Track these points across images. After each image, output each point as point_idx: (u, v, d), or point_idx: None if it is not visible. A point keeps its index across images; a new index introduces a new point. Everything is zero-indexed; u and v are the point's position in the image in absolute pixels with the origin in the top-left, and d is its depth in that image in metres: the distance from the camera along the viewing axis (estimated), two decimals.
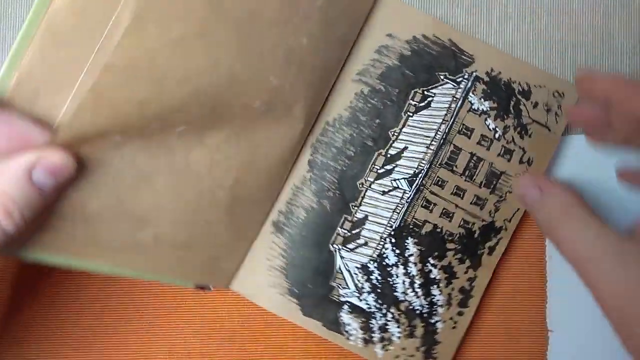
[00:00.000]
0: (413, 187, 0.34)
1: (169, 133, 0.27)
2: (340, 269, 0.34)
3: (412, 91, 0.34)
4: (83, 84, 0.23)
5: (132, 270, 0.29)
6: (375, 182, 0.34)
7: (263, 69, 0.29)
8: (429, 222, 0.34)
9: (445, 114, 0.34)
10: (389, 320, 0.34)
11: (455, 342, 0.34)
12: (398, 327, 0.34)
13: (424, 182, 0.34)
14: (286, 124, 0.31)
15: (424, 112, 0.34)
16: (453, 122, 0.34)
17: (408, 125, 0.34)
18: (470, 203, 0.34)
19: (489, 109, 0.34)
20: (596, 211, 0.29)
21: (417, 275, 0.34)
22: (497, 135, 0.34)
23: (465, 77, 0.34)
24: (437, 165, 0.34)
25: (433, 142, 0.34)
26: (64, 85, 0.23)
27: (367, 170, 0.34)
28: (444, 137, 0.34)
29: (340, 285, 0.34)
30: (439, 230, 0.34)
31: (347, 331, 0.34)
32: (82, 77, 0.23)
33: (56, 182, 0.23)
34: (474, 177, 0.34)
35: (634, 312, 0.25)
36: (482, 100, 0.34)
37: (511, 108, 0.34)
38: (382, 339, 0.34)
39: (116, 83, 0.24)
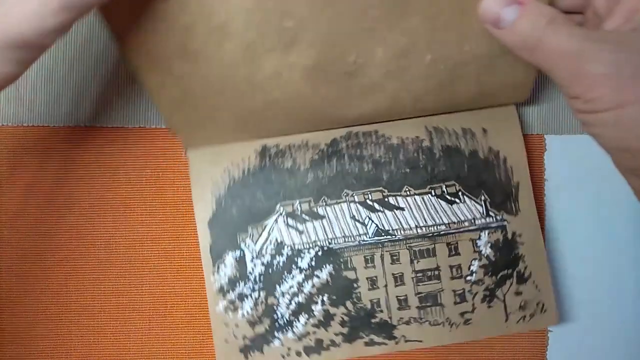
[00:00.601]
0: (374, 239, 0.34)
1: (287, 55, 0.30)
2: (267, 227, 0.34)
3: (452, 182, 0.34)
4: None
5: (154, 92, 0.32)
6: (357, 204, 0.34)
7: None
8: (356, 274, 0.34)
9: (454, 222, 0.34)
10: (250, 295, 0.33)
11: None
12: (253, 305, 0.33)
13: (385, 245, 0.34)
14: (373, 98, 0.32)
15: (443, 203, 0.34)
16: (451, 234, 0.34)
17: (423, 199, 0.34)
18: (396, 296, 0.33)
19: (485, 256, 0.34)
20: None
21: (305, 294, 0.34)
22: (468, 279, 0.33)
23: (498, 218, 0.34)
24: (407, 246, 0.34)
25: (423, 229, 0.34)
26: None
27: (361, 192, 0.34)
28: (434, 234, 0.34)
29: (252, 236, 0.34)
30: (355, 286, 0.34)
31: (219, 268, 0.33)
32: None
33: None
34: (419, 284, 0.33)
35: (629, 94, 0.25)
36: (490, 247, 0.34)
37: (500, 275, 0.34)
38: (232, 303, 0.33)
39: None
